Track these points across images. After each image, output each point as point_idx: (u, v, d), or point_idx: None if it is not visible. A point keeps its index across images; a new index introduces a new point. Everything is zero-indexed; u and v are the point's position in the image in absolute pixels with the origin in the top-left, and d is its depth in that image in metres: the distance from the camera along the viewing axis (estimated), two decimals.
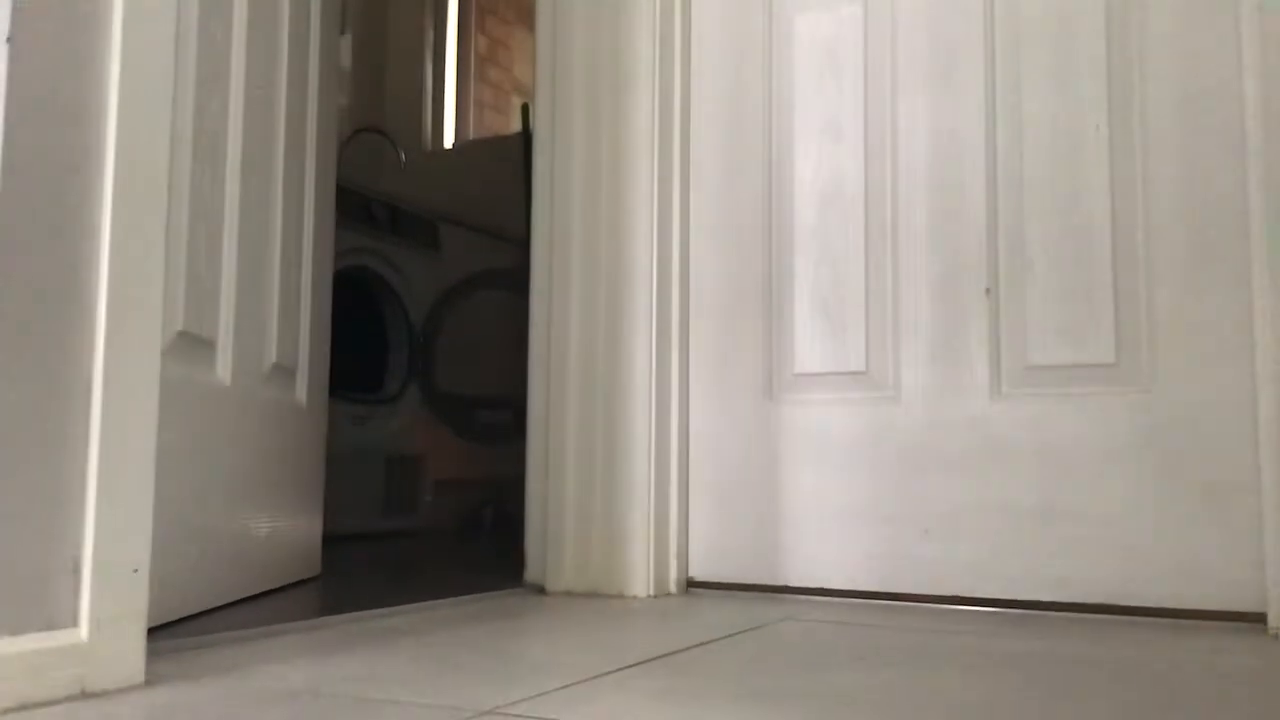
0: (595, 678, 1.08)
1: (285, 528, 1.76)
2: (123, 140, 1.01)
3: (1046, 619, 1.55)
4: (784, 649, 1.28)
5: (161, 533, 1.11)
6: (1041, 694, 1.04)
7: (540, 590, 1.82)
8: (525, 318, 1.92)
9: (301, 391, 1.85)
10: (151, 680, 1.02)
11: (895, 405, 1.74)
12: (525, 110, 3.80)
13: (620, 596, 1.76)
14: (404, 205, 3.18)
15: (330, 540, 2.04)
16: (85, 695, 0.95)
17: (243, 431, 1.59)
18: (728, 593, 1.80)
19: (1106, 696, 1.03)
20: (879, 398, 1.76)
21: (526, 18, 4.79)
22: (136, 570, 1.01)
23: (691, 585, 1.84)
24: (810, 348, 1.81)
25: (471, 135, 4.57)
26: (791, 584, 1.77)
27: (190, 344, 1.40)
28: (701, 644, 1.30)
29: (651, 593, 1.77)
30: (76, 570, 0.96)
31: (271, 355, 1.69)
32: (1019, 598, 1.62)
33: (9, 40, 0.92)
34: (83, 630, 0.96)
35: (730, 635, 1.37)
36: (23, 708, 0.89)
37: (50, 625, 0.93)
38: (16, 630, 0.91)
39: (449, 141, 4.46)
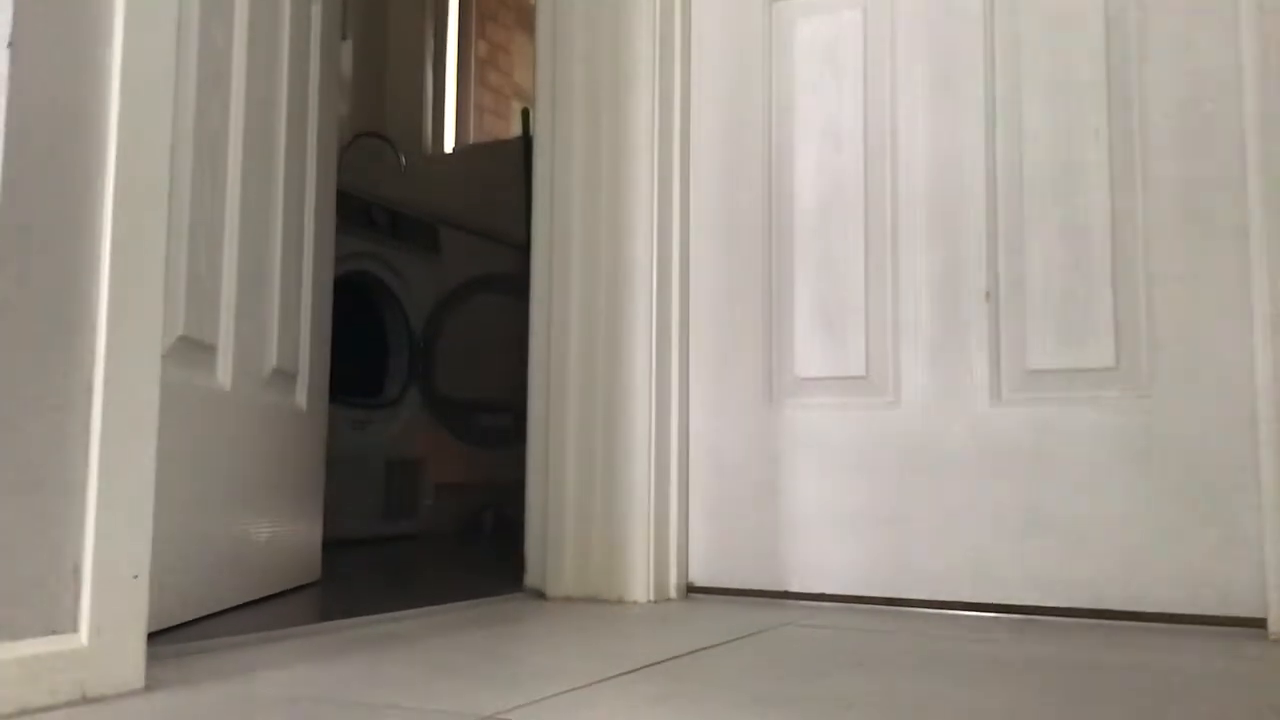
0: (595, 683, 1.08)
1: (285, 532, 1.76)
2: (123, 144, 1.01)
3: (1047, 624, 1.55)
4: (784, 654, 1.28)
5: (162, 538, 1.11)
6: (1046, 700, 1.04)
7: (540, 595, 1.81)
8: (525, 321, 1.92)
9: (302, 396, 1.85)
10: (151, 685, 1.02)
11: (895, 410, 1.74)
12: (525, 114, 3.81)
13: (620, 602, 1.76)
14: (404, 209, 3.18)
15: (330, 545, 2.04)
16: (85, 700, 0.95)
17: (243, 436, 1.59)
18: (728, 598, 1.80)
19: (1111, 702, 1.03)
20: (879, 402, 1.76)
21: (526, 23, 4.80)
22: (137, 576, 1.01)
23: (692, 590, 1.84)
24: (810, 351, 1.81)
25: (472, 140, 4.58)
26: (792, 589, 1.77)
27: (191, 348, 1.40)
28: (702, 649, 1.30)
29: (652, 598, 1.76)
30: (77, 575, 0.96)
31: (272, 359, 1.69)
32: (1019, 603, 1.61)
33: (10, 45, 0.92)
34: (83, 635, 0.96)
35: (730, 641, 1.37)
36: (23, 713, 0.89)
37: (50, 630, 0.93)
38: (17, 635, 0.90)
39: (449, 146, 4.47)
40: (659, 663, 1.20)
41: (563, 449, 1.83)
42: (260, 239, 1.64)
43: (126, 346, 1.01)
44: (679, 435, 1.84)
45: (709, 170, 1.91)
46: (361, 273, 2.99)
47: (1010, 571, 1.63)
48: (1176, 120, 1.59)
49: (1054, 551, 1.60)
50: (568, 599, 1.79)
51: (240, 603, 1.58)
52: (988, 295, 1.69)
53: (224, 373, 1.52)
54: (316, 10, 1.88)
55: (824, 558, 1.75)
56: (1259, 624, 1.46)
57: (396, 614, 1.55)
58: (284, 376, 1.76)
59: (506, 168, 3.85)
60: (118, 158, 1.01)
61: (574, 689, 1.04)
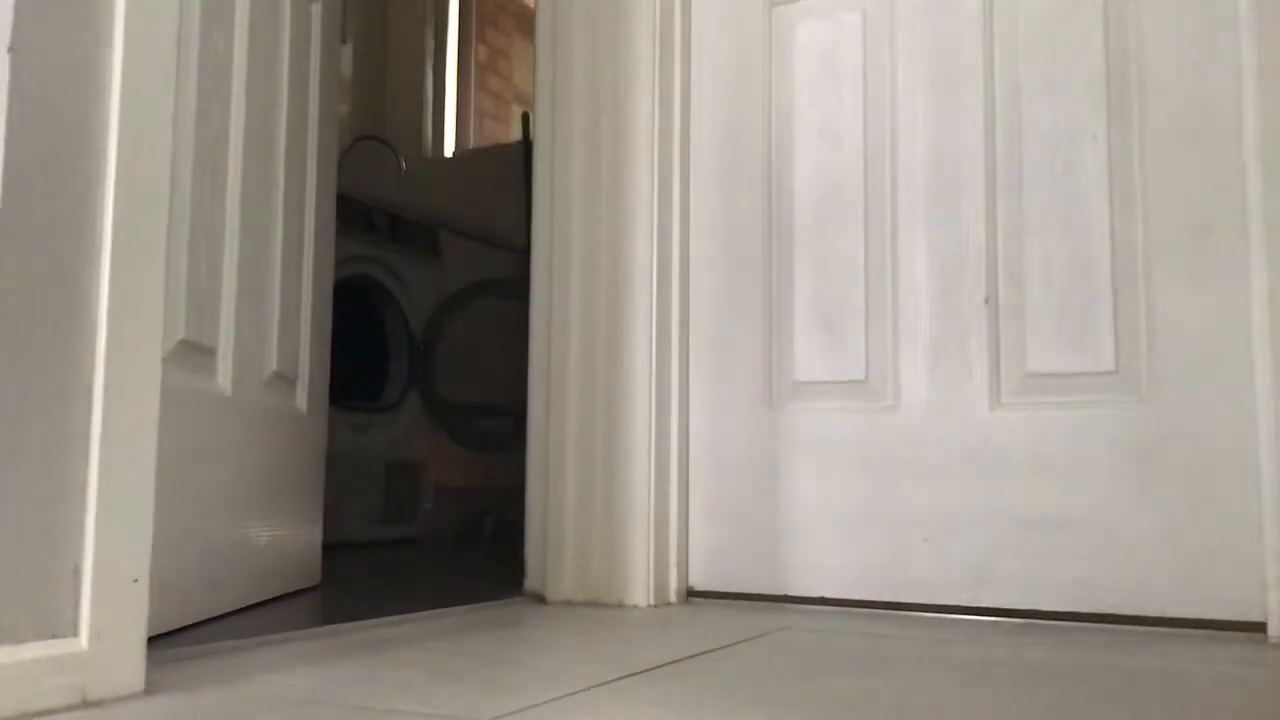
0: (595, 687, 1.07)
1: (285, 536, 1.76)
2: (124, 148, 1.01)
3: (1047, 628, 1.55)
4: (784, 658, 1.28)
5: (162, 541, 1.11)
6: (1045, 703, 1.03)
7: (540, 599, 1.81)
8: (525, 325, 1.92)
9: (302, 399, 1.85)
10: (151, 689, 1.01)
11: (895, 413, 1.74)
12: (525, 119, 3.81)
13: (620, 605, 1.75)
14: (404, 213, 3.18)
15: (330, 548, 2.04)
16: (85, 704, 0.95)
17: (243, 440, 1.59)
18: (728, 602, 1.80)
19: (1111, 705, 1.03)
20: (878, 406, 1.75)
21: (526, 27, 4.80)
22: (137, 579, 1.01)
23: (692, 594, 1.84)
24: (810, 355, 1.81)
25: (472, 144, 4.58)
26: (792, 593, 1.77)
27: (191, 352, 1.40)
28: (702, 653, 1.30)
29: (652, 602, 1.76)
30: (77, 579, 0.96)
31: (272, 363, 1.69)
32: (1018, 606, 1.61)
33: (11, 50, 0.92)
34: (83, 639, 0.96)
35: (731, 644, 1.37)
36: (23, 716, 0.89)
37: (51, 634, 0.93)
38: (17, 639, 0.90)
39: (449, 150, 4.47)
40: (659, 666, 1.20)
41: (563, 452, 1.83)
42: (261, 242, 1.64)
43: (127, 348, 1.01)
44: (679, 437, 1.84)
45: (709, 171, 1.91)
46: (362, 276, 2.99)
47: (1010, 575, 1.62)
48: (1176, 121, 1.59)
49: (1053, 556, 1.60)
50: (568, 603, 1.78)
51: (240, 606, 1.58)
52: (987, 300, 1.69)
53: (224, 376, 1.52)
54: (317, 13, 1.89)
55: (824, 561, 1.75)
56: (1259, 628, 1.46)
57: (396, 618, 1.55)
58: (284, 380, 1.76)
59: (506, 172, 3.85)
60: (118, 159, 1.01)
61: (574, 693, 1.04)
